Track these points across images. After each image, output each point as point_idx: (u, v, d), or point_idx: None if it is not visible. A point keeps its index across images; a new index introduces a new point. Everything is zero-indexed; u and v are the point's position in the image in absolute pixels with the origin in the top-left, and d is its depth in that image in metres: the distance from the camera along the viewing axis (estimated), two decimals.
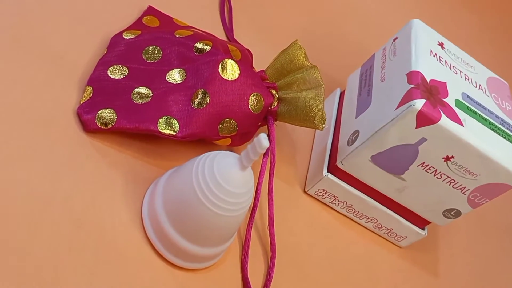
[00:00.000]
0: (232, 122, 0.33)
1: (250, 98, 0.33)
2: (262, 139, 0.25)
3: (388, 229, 0.40)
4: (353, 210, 0.39)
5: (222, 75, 0.33)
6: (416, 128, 0.33)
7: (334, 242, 0.38)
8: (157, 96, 0.32)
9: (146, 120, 0.32)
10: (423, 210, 0.38)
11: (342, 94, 0.44)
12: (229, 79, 0.33)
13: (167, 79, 0.33)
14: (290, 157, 0.40)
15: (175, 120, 0.32)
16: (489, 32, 0.71)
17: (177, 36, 0.35)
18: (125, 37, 0.36)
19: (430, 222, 0.39)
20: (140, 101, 0.32)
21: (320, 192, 0.39)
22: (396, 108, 0.33)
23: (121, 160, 0.32)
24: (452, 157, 0.33)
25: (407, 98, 0.33)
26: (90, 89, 0.33)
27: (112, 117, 0.31)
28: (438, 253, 0.43)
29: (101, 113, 0.32)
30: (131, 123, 0.31)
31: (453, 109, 0.33)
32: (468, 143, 0.32)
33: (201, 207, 0.28)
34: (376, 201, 0.38)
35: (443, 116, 0.32)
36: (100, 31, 0.37)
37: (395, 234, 0.40)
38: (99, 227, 0.29)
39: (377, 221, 0.40)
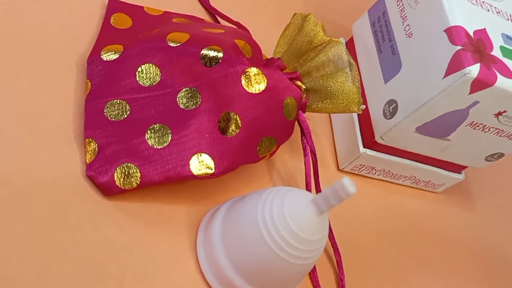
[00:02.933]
0: (271, 139, 0.28)
1: (284, 105, 0.28)
2: (347, 185, 0.21)
3: (426, 182, 0.38)
4: (391, 174, 0.37)
5: (247, 89, 0.27)
6: (469, 94, 0.29)
7: (381, 213, 0.36)
8: (176, 131, 0.27)
9: (176, 165, 0.26)
10: (465, 160, 0.36)
11: (348, 46, 0.39)
12: (257, 91, 0.27)
13: (178, 105, 0.27)
14: (312, 132, 0.36)
15: (207, 156, 0.27)
16: None
17: (171, 44, 0.28)
18: (105, 59, 0.28)
19: (467, 166, 0.38)
20: (160, 145, 0.26)
21: (357, 167, 0.36)
22: (444, 77, 0.29)
23: (155, 214, 0.27)
24: (504, 111, 0.31)
25: (457, 63, 0.29)
26: (92, 142, 0.26)
27: (134, 173, 0.26)
28: (471, 190, 0.42)
29: (119, 171, 0.26)
30: (159, 175, 0.26)
31: (503, 63, 0.30)
32: None
33: (272, 256, 0.24)
34: (416, 161, 0.36)
35: (499, 77, 0.29)
36: (68, 53, 0.29)
37: (433, 184, 0.39)
38: None
39: (415, 177, 0.38)
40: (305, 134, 0.30)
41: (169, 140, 0.27)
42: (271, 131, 0.28)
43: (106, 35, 0.30)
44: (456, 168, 0.38)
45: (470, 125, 0.32)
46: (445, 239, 0.38)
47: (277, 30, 0.39)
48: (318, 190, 0.31)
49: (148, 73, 0.28)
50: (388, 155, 0.35)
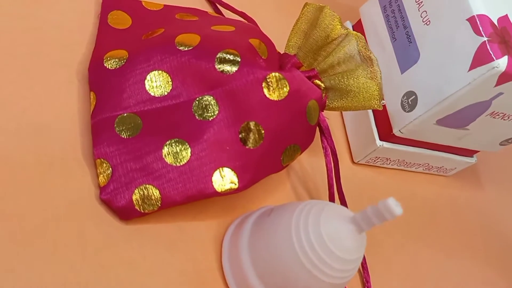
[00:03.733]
0: (295, 146, 0.26)
1: (307, 110, 0.26)
2: (393, 206, 0.20)
3: (438, 167, 0.38)
4: (405, 163, 0.36)
5: (269, 96, 0.25)
6: (495, 86, 0.28)
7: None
8: (195, 144, 0.25)
9: (198, 183, 0.24)
10: (479, 146, 0.35)
11: (356, 29, 0.37)
12: (279, 98, 0.25)
13: (195, 115, 0.25)
14: None
15: (230, 170, 0.25)
16: None
17: (182, 48, 0.26)
18: (109, 67, 0.26)
19: (479, 151, 0.37)
20: (179, 162, 0.24)
21: (372, 159, 0.35)
22: (469, 70, 0.28)
23: (176, 234, 0.26)
24: None
25: (483, 56, 0.27)
26: (104, 162, 0.24)
27: (154, 194, 0.24)
28: (481, 171, 0.42)
29: (138, 193, 0.24)
30: (180, 194, 0.24)
31: None
32: None
33: (308, 276, 0.23)
34: (431, 149, 0.35)
35: None
36: (66, 61, 0.27)
37: (445, 169, 0.38)
38: None
39: (428, 164, 0.37)
40: (325, 134, 0.29)
41: (189, 155, 0.25)
42: (295, 139, 0.26)
43: (105, 37, 0.28)
44: (469, 152, 0.37)
45: (490, 115, 0.31)
46: (458, 223, 0.38)
47: (282, 18, 0.37)
48: (340, 192, 0.30)
49: (156, 81, 0.26)
50: (404, 146, 0.34)
